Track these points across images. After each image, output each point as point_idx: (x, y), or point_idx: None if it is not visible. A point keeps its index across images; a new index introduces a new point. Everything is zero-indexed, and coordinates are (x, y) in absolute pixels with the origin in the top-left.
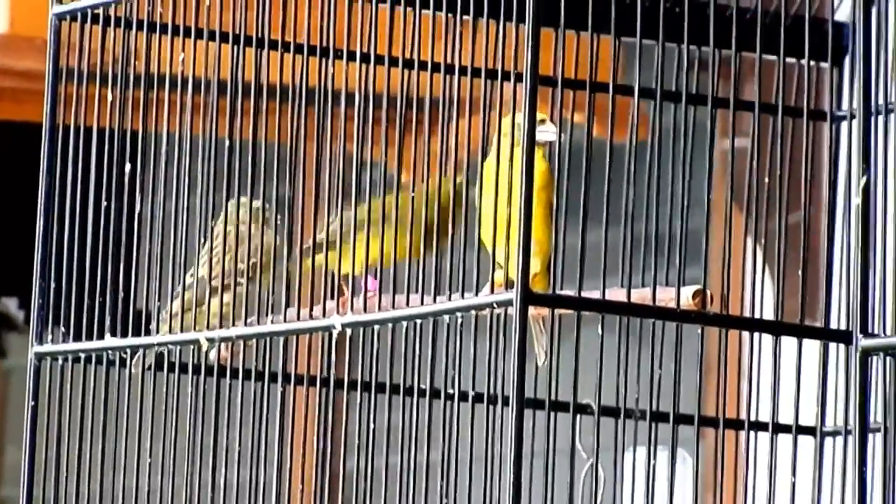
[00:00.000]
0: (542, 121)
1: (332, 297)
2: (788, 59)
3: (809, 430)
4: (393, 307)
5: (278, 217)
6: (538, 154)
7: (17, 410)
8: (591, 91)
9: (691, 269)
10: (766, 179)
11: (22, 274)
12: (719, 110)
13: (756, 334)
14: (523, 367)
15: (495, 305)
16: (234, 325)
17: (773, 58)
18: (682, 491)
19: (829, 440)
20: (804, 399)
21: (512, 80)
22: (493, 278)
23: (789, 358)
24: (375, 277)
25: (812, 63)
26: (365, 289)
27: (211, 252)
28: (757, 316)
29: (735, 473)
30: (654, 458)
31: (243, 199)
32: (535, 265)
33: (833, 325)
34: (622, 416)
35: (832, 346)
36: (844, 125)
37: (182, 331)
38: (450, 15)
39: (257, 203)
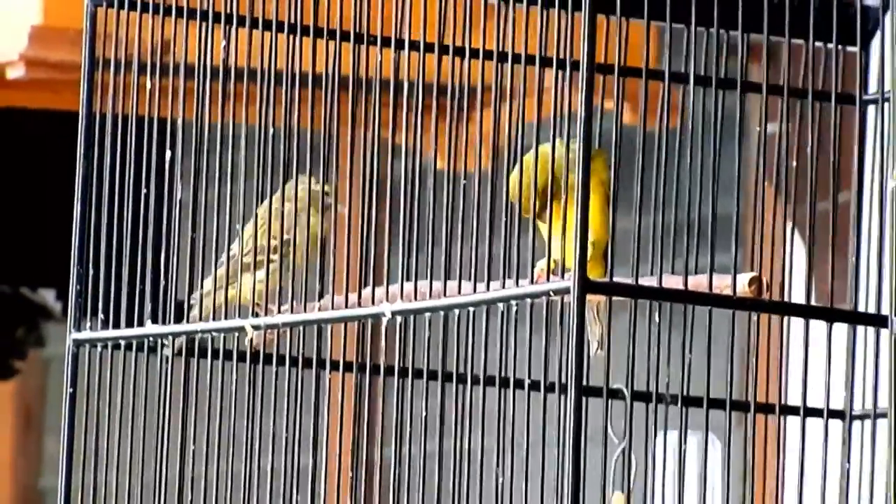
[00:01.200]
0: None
1: (381, 283)
2: (816, 43)
3: (841, 415)
4: (444, 294)
5: (338, 205)
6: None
7: (56, 400)
8: (647, 77)
9: (727, 255)
10: (794, 163)
11: (59, 265)
12: (753, 95)
13: (799, 320)
14: (581, 355)
15: (552, 294)
16: (278, 310)
17: (801, 42)
18: (713, 476)
19: (857, 423)
20: (842, 383)
21: (554, 66)
22: (549, 265)
23: (817, 342)
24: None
25: (840, 47)
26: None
27: (255, 228)
28: (795, 300)
29: (778, 458)
30: (685, 442)
31: (302, 177)
32: (590, 251)
33: (861, 309)
34: (654, 400)
35: (859, 329)
36: (871, 108)
37: (214, 310)
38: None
39: (317, 186)
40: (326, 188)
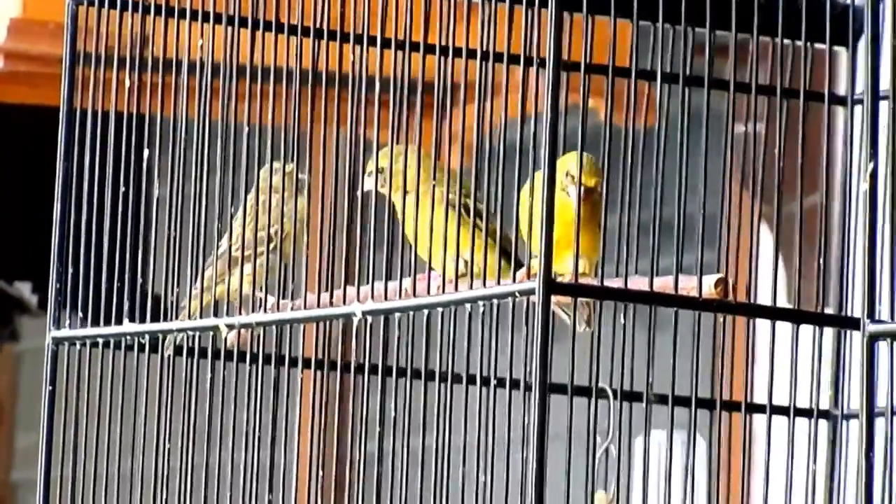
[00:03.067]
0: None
1: (352, 284)
2: (799, 43)
3: (823, 415)
4: (414, 295)
5: (310, 180)
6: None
7: (29, 394)
8: (613, 75)
9: (700, 254)
10: (780, 164)
11: (35, 258)
12: (728, 95)
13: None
14: (546, 355)
15: (517, 294)
16: (253, 309)
17: (787, 41)
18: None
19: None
20: (808, 384)
21: (521, 63)
22: (529, 268)
23: (788, 342)
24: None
25: (826, 47)
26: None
27: (243, 223)
28: (766, 302)
29: (744, 456)
30: (671, 441)
31: (276, 165)
32: (584, 266)
33: (830, 311)
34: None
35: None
36: (858, 109)
37: (215, 304)
38: None
39: (291, 165)
40: (298, 165)
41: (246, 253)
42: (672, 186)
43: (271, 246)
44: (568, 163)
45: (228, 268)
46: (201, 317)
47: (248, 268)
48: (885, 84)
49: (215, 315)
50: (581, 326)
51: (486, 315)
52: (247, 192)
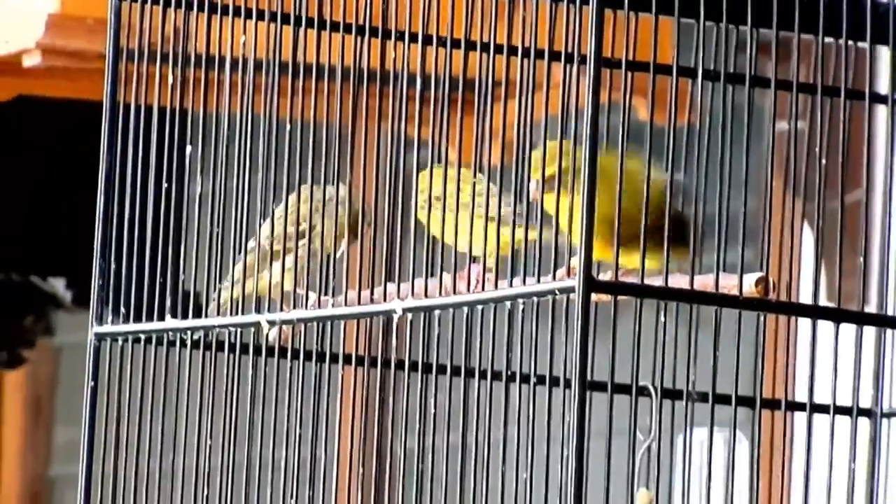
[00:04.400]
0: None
1: (392, 280)
2: (841, 41)
3: (864, 413)
4: (455, 292)
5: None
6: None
7: (67, 389)
8: (655, 73)
9: (746, 252)
10: (821, 162)
11: (70, 254)
12: (770, 92)
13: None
14: (586, 352)
15: (557, 292)
16: (295, 306)
17: (829, 39)
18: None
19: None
20: (849, 382)
21: (562, 60)
22: (569, 264)
23: (829, 341)
24: (476, 262)
25: (867, 45)
26: (469, 274)
27: (285, 215)
28: (808, 301)
29: (784, 455)
30: (711, 439)
31: (330, 187)
32: (630, 262)
33: (891, 311)
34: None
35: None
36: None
37: (243, 299)
38: None
39: (319, 192)
40: (325, 192)
41: (278, 248)
42: (713, 184)
43: (301, 242)
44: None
45: (269, 261)
46: (243, 313)
47: (286, 262)
48: None
49: (257, 311)
50: None
51: (527, 312)
52: (288, 191)
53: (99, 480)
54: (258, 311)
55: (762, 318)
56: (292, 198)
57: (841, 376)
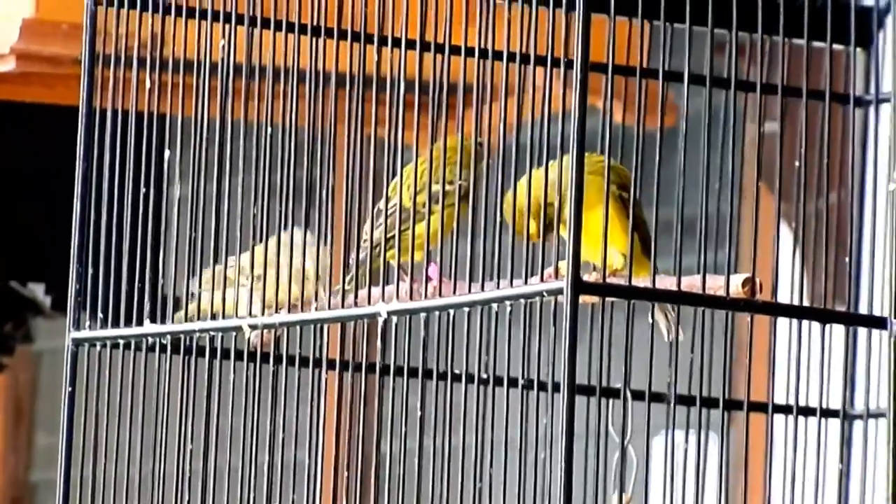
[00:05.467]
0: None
1: (377, 284)
2: (817, 44)
3: (838, 414)
4: (440, 295)
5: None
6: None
7: (46, 395)
8: (641, 76)
9: (721, 253)
10: (799, 163)
11: (49, 259)
12: (749, 95)
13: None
14: (574, 354)
15: (545, 294)
16: (277, 310)
17: (801, 42)
18: (711, 474)
19: (858, 423)
20: (832, 383)
21: (548, 65)
22: (556, 267)
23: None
24: (436, 263)
25: (840, 47)
26: (427, 277)
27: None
28: (788, 301)
29: (765, 457)
30: (686, 441)
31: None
32: (619, 262)
33: (863, 310)
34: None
35: (861, 330)
36: (871, 109)
37: (224, 307)
38: None
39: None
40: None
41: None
42: (693, 187)
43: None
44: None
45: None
46: (224, 317)
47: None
48: None
49: (238, 315)
50: (667, 335)
51: (514, 315)
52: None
53: (77, 485)
54: (239, 314)
55: (749, 319)
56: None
57: (818, 377)
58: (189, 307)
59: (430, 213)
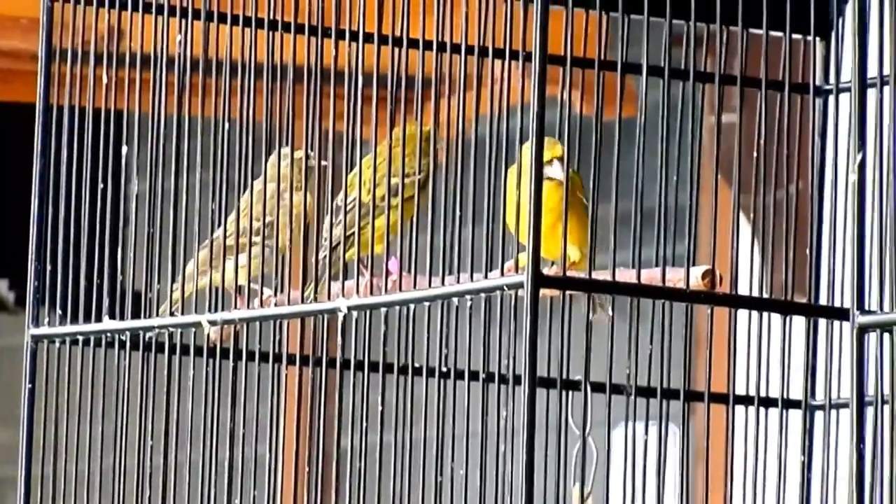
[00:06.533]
0: (550, 161)
1: (336, 279)
2: (774, 33)
3: (799, 405)
4: (400, 289)
5: (323, 164)
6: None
7: (8, 391)
8: (599, 69)
9: (680, 245)
10: (757, 154)
11: (12, 255)
12: (707, 85)
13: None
14: (535, 348)
15: (505, 288)
16: (236, 305)
17: (760, 32)
18: (672, 465)
19: (818, 414)
20: (793, 374)
21: (506, 57)
22: (517, 261)
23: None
24: (395, 257)
25: (798, 37)
26: (387, 271)
27: (238, 211)
28: (746, 292)
29: (726, 448)
30: (646, 433)
31: (284, 150)
32: (575, 255)
33: (822, 301)
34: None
35: (821, 321)
36: (831, 99)
37: (188, 304)
38: None
39: (300, 153)
40: (307, 152)
41: (241, 242)
42: (651, 178)
43: (264, 237)
44: (527, 152)
45: (223, 256)
46: (183, 312)
47: (242, 258)
48: (871, 73)
49: (197, 311)
50: (596, 314)
51: (474, 309)
52: (237, 185)
53: (38, 482)
54: (198, 311)
55: (708, 311)
56: (257, 185)
57: (775, 368)
58: (174, 297)
59: (388, 206)
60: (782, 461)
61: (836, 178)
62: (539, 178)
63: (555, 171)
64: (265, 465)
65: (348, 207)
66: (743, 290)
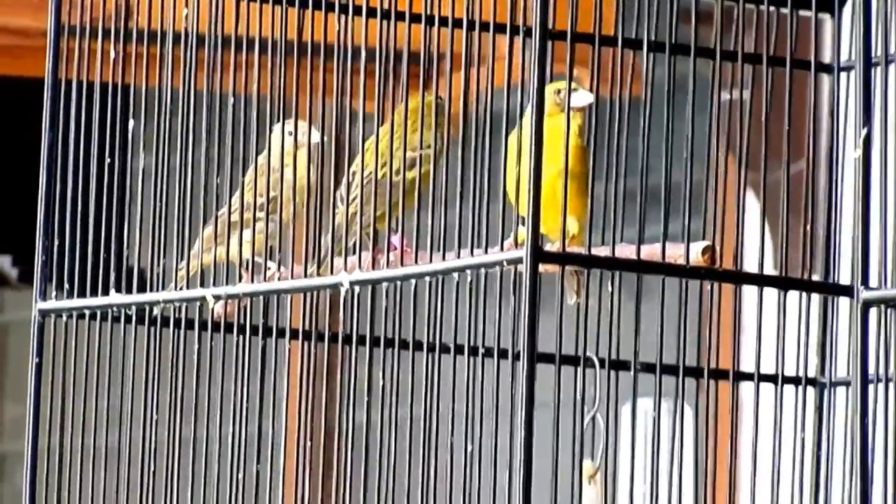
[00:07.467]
0: (576, 89)
1: (339, 254)
2: (784, 10)
3: (810, 382)
4: (402, 264)
5: (324, 139)
6: (573, 130)
7: (15, 366)
8: (599, 44)
9: (686, 222)
10: (766, 131)
11: (17, 231)
12: (723, 63)
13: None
14: (534, 323)
15: (505, 263)
16: (240, 279)
17: (772, 9)
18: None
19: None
20: (797, 351)
21: (507, 33)
22: (516, 236)
23: (774, 310)
24: (397, 233)
25: (809, 13)
26: (389, 245)
27: (242, 187)
28: (755, 269)
29: (733, 425)
30: (657, 409)
31: (289, 126)
32: (574, 227)
33: (829, 278)
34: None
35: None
36: (843, 76)
37: (193, 279)
38: None
39: (304, 124)
40: (311, 125)
41: (245, 217)
42: (658, 155)
43: (268, 212)
44: (555, 87)
45: (228, 231)
46: (188, 287)
47: (247, 234)
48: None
49: (202, 286)
50: (571, 298)
51: (474, 284)
52: (242, 160)
53: (45, 456)
54: (203, 285)
55: (708, 287)
56: (261, 160)
57: (787, 345)
58: (180, 274)
59: (404, 181)
60: (777, 437)
61: (841, 156)
62: (539, 154)
63: (583, 97)
64: (268, 441)
65: (365, 181)
66: (752, 267)
